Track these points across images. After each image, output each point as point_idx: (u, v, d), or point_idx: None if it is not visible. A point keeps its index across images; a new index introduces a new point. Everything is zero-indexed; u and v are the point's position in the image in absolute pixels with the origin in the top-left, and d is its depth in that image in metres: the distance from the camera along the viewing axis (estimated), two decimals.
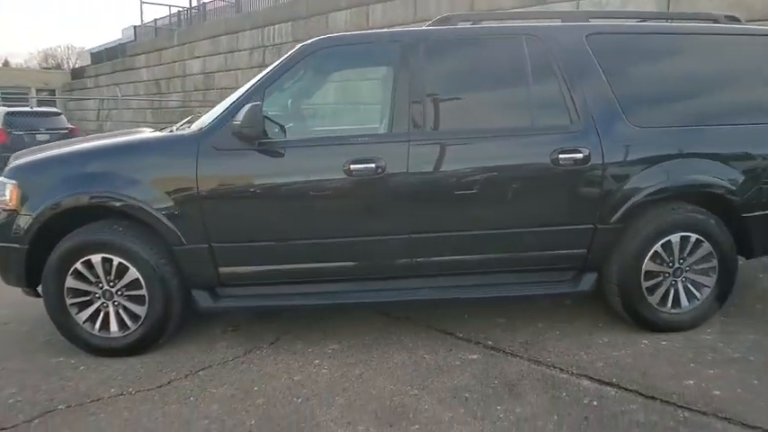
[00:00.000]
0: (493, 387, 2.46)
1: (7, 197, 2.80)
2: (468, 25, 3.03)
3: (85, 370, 2.70)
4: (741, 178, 2.90)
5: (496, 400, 2.35)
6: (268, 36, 11.03)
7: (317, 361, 2.74)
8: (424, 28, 2.99)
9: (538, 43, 2.86)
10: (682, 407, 2.27)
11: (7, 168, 2.95)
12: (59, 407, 2.37)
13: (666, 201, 2.88)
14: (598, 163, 2.78)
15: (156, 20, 15.63)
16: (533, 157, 2.79)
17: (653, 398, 2.35)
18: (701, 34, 3.06)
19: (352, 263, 2.78)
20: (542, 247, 2.86)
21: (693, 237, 2.88)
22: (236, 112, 2.64)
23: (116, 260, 2.70)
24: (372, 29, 9.15)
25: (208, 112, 3.16)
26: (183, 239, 2.70)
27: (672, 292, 2.94)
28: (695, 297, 2.97)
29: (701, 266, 2.94)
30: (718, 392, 2.37)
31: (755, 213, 2.94)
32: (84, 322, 2.78)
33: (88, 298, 2.76)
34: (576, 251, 2.88)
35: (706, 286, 2.96)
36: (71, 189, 2.71)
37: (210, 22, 13.10)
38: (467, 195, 2.75)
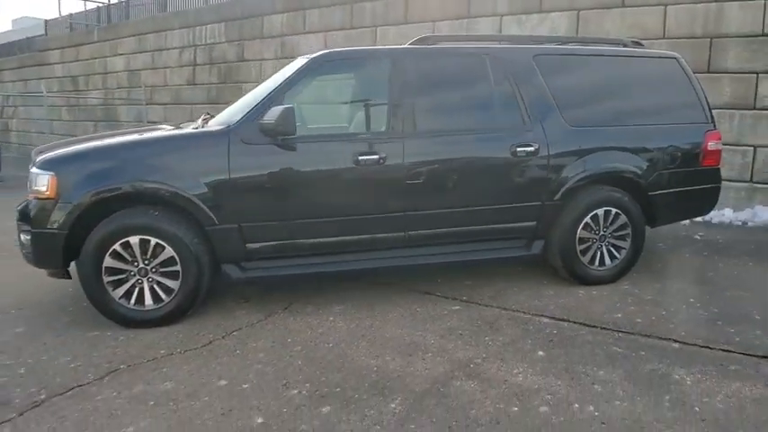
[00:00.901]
0: (477, 326, 3.17)
1: (45, 187, 3.04)
2: (440, 45, 3.72)
3: (125, 339, 3.03)
4: (645, 165, 3.85)
5: (483, 334, 3.06)
6: (199, 35, 11.10)
7: (330, 318, 3.29)
8: (410, 46, 3.63)
9: (498, 61, 3.62)
10: (616, 330, 3.12)
11: (39, 161, 3.18)
12: (121, 366, 2.72)
13: (593, 183, 3.76)
14: (544, 154, 3.60)
15: (71, 14, 14.85)
16: (497, 150, 3.55)
17: (595, 326, 3.17)
18: (613, 56, 3.99)
19: (358, 236, 3.37)
20: (504, 220, 3.62)
21: (614, 210, 3.79)
22: (263, 112, 3.14)
23: (153, 241, 3.07)
24: (309, 32, 9.62)
25: (222, 111, 3.61)
26: (217, 221, 3.13)
27: (599, 253, 3.84)
28: (616, 257, 3.88)
29: (619, 233, 3.85)
30: (639, 320, 3.25)
31: (657, 192, 3.91)
32: (120, 298, 3.10)
33: (124, 275, 3.09)
34: (528, 223, 3.67)
35: (623, 248, 3.88)
36: (114, 179, 3.04)
37: (136, 19, 12.80)
38: (446, 180, 3.45)
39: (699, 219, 5.69)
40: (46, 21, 16.07)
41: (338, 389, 2.50)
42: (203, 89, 11.24)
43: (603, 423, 2.23)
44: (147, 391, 2.49)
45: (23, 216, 3.19)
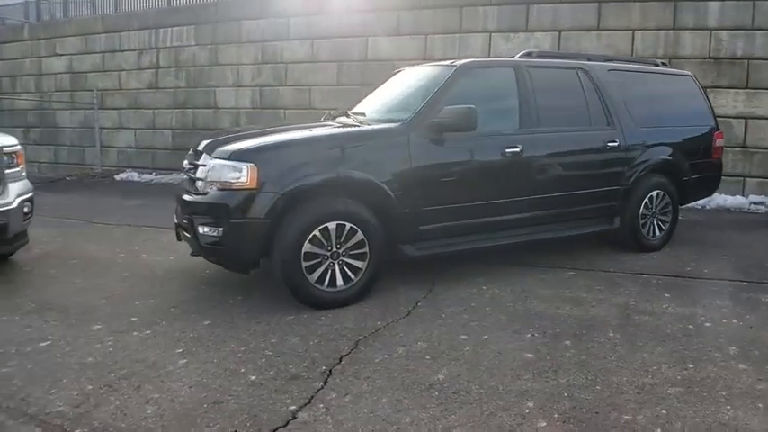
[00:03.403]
0: (602, 284, 3.95)
1: (245, 178, 3.24)
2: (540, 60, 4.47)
3: (332, 318, 3.28)
4: (681, 158, 4.92)
5: (614, 287, 3.85)
6: (163, 38, 10.72)
7: (483, 287, 3.84)
8: (527, 59, 4.31)
9: (585, 74, 4.47)
10: (696, 278, 4.08)
11: (229, 152, 3.33)
12: (360, 337, 3.02)
13: (651, 172, 4.73)
14: (623, 148, 4.50)
15: None
16: (595, 144, 4.42)
17: (683, 276, 4.11)
18: (653, 72, 5.04)
19: (502, 217, 3.98)
20: (598, 200, 4.46)
21: (662, 192, 4.80)
22: (434, 111, 3.63)
23: (348, 226, 3.40)
24: (293, 39, 9.84)
25: (344, 109, 4.11)
26: (400, 206, 3.55)
27: (652, 226, 4.81)
28: (663, 229, 4.89)
29: (664, 210, 4.87)
30: (706, 270, 4.27)
31: (687, 178, 4.99)
32: (315, 282, 3.39)
33: (319, 260, 3.38)
34: (612, 203, 4.54)
35: (667, 222, 4.91)
36: (317, 169, 3.33)
37: (81, 17, 11.91)
38: (561, 168, 4.22)
39: None
40: None
41: (560, 329, 3.09)
42: (168, 93, 10.87)
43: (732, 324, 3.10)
44: (412, 349, 2.87)
45: (207, 208, 3.33)
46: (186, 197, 3.57)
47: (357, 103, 4.81)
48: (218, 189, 3.31)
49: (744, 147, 7.35)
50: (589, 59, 4.74)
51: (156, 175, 10.63)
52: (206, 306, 3.52)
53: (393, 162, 3.55)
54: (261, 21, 9.98)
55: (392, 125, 3.72)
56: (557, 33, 8.14)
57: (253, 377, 2.56)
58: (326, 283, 3.42)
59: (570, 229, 4.37)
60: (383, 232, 3.54)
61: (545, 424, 2.20)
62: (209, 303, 3.56)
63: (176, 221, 3.87)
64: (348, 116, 4.19)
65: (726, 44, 7.38)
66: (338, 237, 3.40)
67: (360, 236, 3.45)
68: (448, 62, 4.15)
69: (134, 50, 11.06)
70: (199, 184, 3.47)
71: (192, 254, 3.70)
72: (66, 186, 9.87)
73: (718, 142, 5.27)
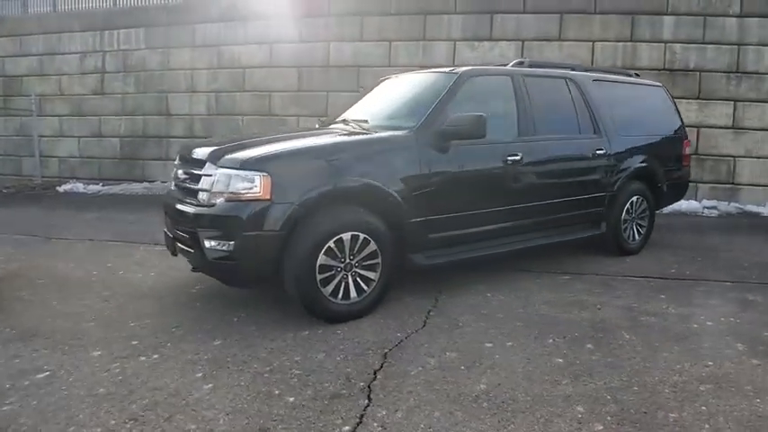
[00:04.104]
0: (599, 286, 4.08)
1: (259, 188, 3.08)
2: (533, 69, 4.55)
3: (349, 331, 3.17)
4: (656, 165, 5.18)
5: (611, 290, 3.98)
6: (110, 40, 10.10)
7: (488, 294, 3.86)
8: (521, 68, 4.38)
9: (573, 84, 4.62)
10: (683, 279, 4.29)
11: (241, 161, 3.15)
12: (386, 350, 2.94)
13: (632, 178, 4.94)
14: (609, 156, 4.67)
15: None
16: (586, 152, 4.57)
17: (668, 278, 4.32)
18: (631, 83, 5.30)
19: (504, 224, 4.01)
20: (587, 206, 4.60)
21: (640, 198, 5.03)
22: (441, 118, 3.62)
23: (361, 236, 3.31)
24: (248, 43, 9.55)
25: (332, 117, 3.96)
26: (411, 214, 3.50)
27: (631, 231, 5.03)
28: (640, 233, 5.12)
29: (642, 215, 5.11)
30: (688, 272, 4.49)
31: (662, 184, 5.26)
32: (329, 295, 3.26)
33: (332, 272, 3.26)
34: (600, 209, 4.70)
35: (644, 226, 5.16)
36: (332, 178, 3.22)
37: (14, 17, 10.98)
38: (557, 175, 4.34)
39: None
40: None
41: (578, 333, 3.15)
42: (115, 99, 10.26)
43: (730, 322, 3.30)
44: (443, 360, 2.82)
45: (215, 221, 3.14)
46: (186, 209, 3.34)
47: (343, 109, 4.73)
48: (228, 200, 3.13)
49: (696, 154, 7.87)
50: (573, 69, 4.90)
51: (103, 185, 9.98)
52: (210, 325, 3.30)
53: (403, 170, 3.49)
54: (216, 24, 9.65)
55: (401, 132, 3.66)
56: (520, 43, 8.40)
57: (291, 399, 2.42)
58: (340, 295, 3.31)
59: (565, 235, 4.49)
60: (394, 242, 3.48)
61: (602, 427, 2.22)
62: (213, 322, 3.35)
63: (170, 235, 3.62)
64: (347, 123, 4.09)
65: (679, 56, 7.90)
66: (352, 248, 3.30)
67: (372, 246, 3.36)
68: (447, 69, 4.16)
69: (76, 53, 10.36)
70: (202, 195, 3.26)
71: (194, 270, 3.47)
72: (5, 199, 9.05)
73: (687, 150, 5.60)
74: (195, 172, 3.40)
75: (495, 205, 3.93)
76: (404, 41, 8.91)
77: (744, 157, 8.06)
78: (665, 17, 7.93)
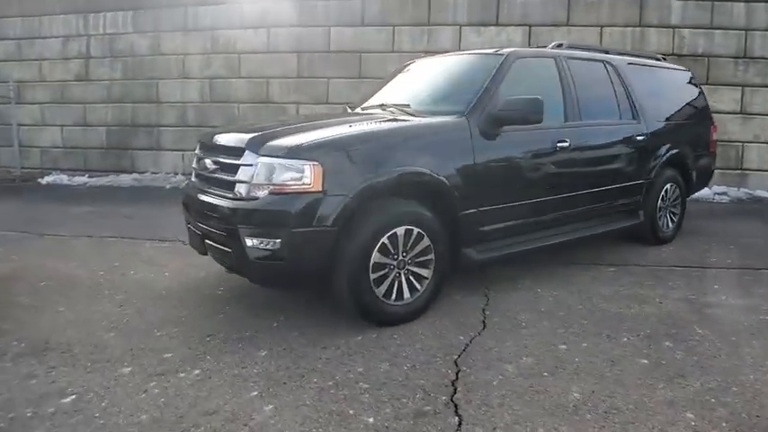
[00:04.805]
0: (650, 278, 3.90)
1: (309, 179, 2.76)
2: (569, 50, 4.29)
3: (405, 336, 2.90)
4: (689, 151, 5.01)
5: (663, 281, 3.80)
6: (95, 24, 9.47)
7: (537, 290, 3.62)
8: (565, 51, 4.12)
9: (612, 67, 4.39)
10: (717, 268, 4.15)
11: (287, 149, 2.82)
12: (455, 354, 2.69)
13: (667, 165, 4.74)
14: (647, 143, 4.46)
15: None
16: (628, 137, 4.36)
17: (710, 268, 4.16)
18: (661, 67, 5.09)
19: (554, 214, 3.78)
20: (628, 194, 4.40)
21: (673, 185, 4.86)
22: (493, 103, 3.35)
23: (415, 230, 3.02)
24: (244, 27, 9.07)
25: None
26: (463, 206, 3.22)
27: (666, 219, 4.85)
28: (674, 221, 4.96)
29: (675, 203, 4.94)
30: (729, 261, 4.34)
31: (693, 170, 5.10)
32: (382, 296, 2.97)
33: (385, 270, 2.97)
34: (638, 197, 4.50)
35: (677, 214, 4.99)
36: (387, 167, 2.92)
37: None
38: (603, 162, 4.12)
39: None
40: None
41: (650, 330, 2.94)
42: (101, 86, 9.65)
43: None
44: (521, 366, 2.58)
45: (259, 216, 2.80)
46: (220, 203, 2.99)
47: (362, 95, 4.41)
48: (272, 193, 2.79)
49: None
50: (607, 52, 4.67)
51: (89, 177, 9.43)
52: (248, 332, 2.98)
53: (456, 157, 3.21)
54: (210, 7, 9.13)
55: (451, 118, 3.35)
56: (527, 28, 8.16)
57: (370, 419, 2.13)
58: (394, 296, 3.02)
59: (608, 225, 4.28)
60: (447, 236, 3.20)
61: None
62: (250, 328, 3.03)
63: (197, 232, 3.26)
64: (385, 108, 3.77)
65: (688, 41, 7.77)
66: (405, 243, 3.01)
67: (426, 241, 3.08)
68: (491, 50, 3.88)
69: (58, 37, 9.71)
70: (240, 187, 2.92)
71: (229, 270, 3.14)
72: None
73: (714, 136, 5.45)
74: (229, 161, 3.06)
75: (545, 195, 3.69)
76: (408, 26, 8.57)
77: (751, 142, 8.01)
78: (674, 2, 7.78)
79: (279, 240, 2.75)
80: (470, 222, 3.29)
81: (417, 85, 4.11)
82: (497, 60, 3.63)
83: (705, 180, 5.62)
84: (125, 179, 9.23)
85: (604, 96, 4.28)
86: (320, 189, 2.76)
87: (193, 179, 3.61)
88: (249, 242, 2.81)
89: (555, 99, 3.84)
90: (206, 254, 3.26)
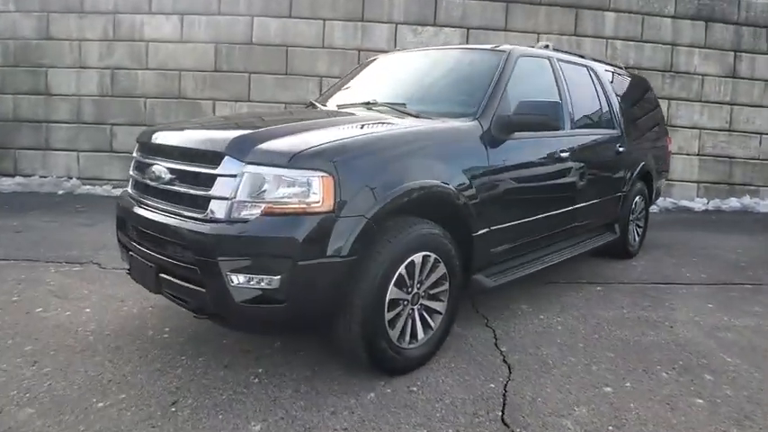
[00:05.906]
0: (644, 298, 3.70)
1: (318, 195, 2.12)
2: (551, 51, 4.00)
3: (425, 387, 2.39)
4: (653, 163, 4.98)
5: (662, 302, 3.62)
6: None
7: (541, 316, 3.28)
8: (553, 52, 3.81)
9: (593, 73, 4.20)
10: (694, 284, 4.11)
11: (288, 155, 2.15)
12: (494, 411, 2.23)
13: (637, 177, 4.64)
14: (625, 154, 4.31)
15: None
16: (611, 147, 4.17)
17: (690, 284, 4.10)
18: (625, 76, 5.01)
19: (555, 230, 3.46)
20: (610, 208, 4.23)
21: (641, 198, 4.81)
22: (502, 106, 2.94)
23: (432, 257, 2.51)
24: (153, 12, 7.95)
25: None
26: (478, 225, 2.76)
27: (634, 233, 4.78)
28: (638, 234, 4.90)
29: (641, 216, 4.88)
30: (704, 275, 4.32)
31: (654, 183, 5.08)
32: (397, 339, 2.42)
33: (399, 308, 2.43)
34: (617, 210, 4.35)
35: (641, 227, 4.95)
36: (404, 180, 2.36)
37: None
38: (596, 173, 3.86)
39: None
40: None
41: (682, 361, 2.69)
42: None
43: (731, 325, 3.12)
44: (578, 421, 2.17)
45: (250, 245, 2.10)
46: (187, 226, 2.24)
47: (320, 93, 3.81)
48: (266, 213, 2.11)
49: None
50: (582, 57, 4.48)
51: None
52: (224, 394, 2.29)
53: (471, 168, 2.72)
54: None
55: (461, 121, 2.86)
56: (465, 30, 7.95)
57: None
58: (408, 337, 2.48)
59: (596, 240, 4.07)
60: (460, 259, 2.71)
61: None
62: (224, 388, 2.34)
63: (148, 264, 2.46)
64: (370, 107, 3.19)
65: (620, 53, 8.01)
66: (421, 273, 2.49)
67: (442, 269, 2.57)
68: (488, 46, 3.46)
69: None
70: (217, 205, 2.20)
71: (197, 315, 2.38)
72: None
73: (670, 147, 5.52)
74: (198, 170, 2.31)
75: (549, 209, 3.35)
76: (340, 20, 7.98)
77: (677, 154, 8.38)
78: (607, 13, 8.00)
79: (278, 277, 2.09)
80: (483, 243, 2.84)
81: (404, 82, 3.55)
82: (499, 57, 3.23)
83: (659, 192, 5.69)
84: (6, 183, 7.67)
85: (592, 103, 4.07)
86: (331, 208, 2.15)
87: (130, 190, 2.80)
88: (235, 279, 2.11)
89: (554, 99, 3.51)
90: (160, 292, 2.47)
